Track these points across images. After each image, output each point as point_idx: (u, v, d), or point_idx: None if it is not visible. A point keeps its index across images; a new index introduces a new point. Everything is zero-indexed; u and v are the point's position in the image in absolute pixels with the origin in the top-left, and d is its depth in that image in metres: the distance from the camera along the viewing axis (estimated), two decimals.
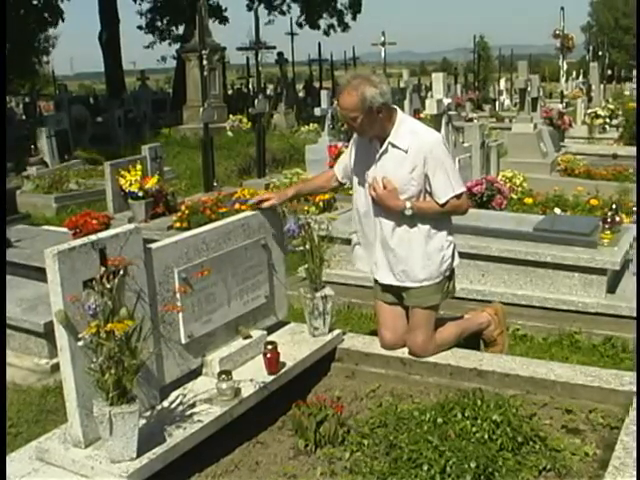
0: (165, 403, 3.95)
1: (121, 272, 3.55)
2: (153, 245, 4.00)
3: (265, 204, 4.72)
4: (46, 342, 5.47)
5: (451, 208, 4.49)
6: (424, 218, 4.48)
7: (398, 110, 4.49)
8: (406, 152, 4.39)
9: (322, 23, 40.46)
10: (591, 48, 38.61)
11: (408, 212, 4.40)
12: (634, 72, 54.13)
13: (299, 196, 5.06)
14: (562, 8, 28.14)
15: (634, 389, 4.07)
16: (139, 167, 10.08)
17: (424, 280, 4.56)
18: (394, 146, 4.42)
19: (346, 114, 4.38)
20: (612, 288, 6.50)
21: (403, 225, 4.50)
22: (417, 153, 4.36)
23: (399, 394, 4.43)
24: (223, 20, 37.04)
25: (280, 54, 31.06)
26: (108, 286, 3.40)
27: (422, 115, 18.41)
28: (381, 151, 4.47)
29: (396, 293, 4.72)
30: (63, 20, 33.57)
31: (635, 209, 7.54)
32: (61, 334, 3.41)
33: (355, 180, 4.72)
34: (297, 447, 3.94)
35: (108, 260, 3.54)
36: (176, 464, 3.57)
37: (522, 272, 6.53)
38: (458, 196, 4.46)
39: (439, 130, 8.08)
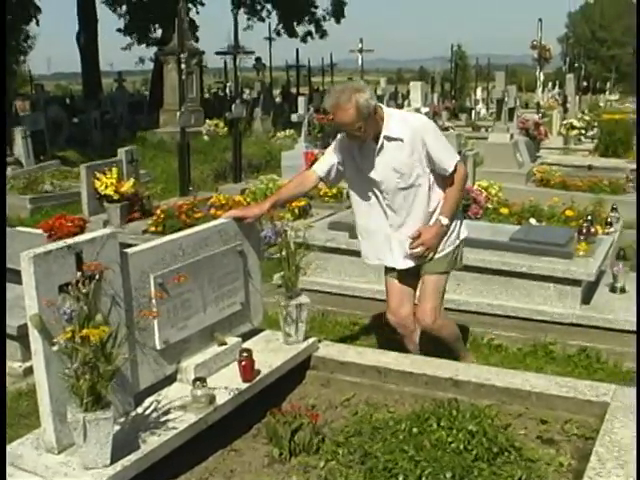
0: (140, 409, 3.92)
1: (97, 277, 3.51)
2: (129, 250, 3.97)
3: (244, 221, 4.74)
4: (19, 345, 5.41)
5: (459, 176, 4.72)
6: (433, 197, 4.71)
7: (382, 105, 4.63)
8: (402, 140, 4.55)
9: (300, 30, 40.55)
10: (567, 59, 38.97)
11: (446, 221, 4.71)
12: (608, 84, 54.86)
13: (277, 205, 5.06)
14: (540, 19, 28.42)
15: (608, 400, 4.10)
16: (115, 170, 10.02)
17: (438, 252, 4.80)
18: (390, 138, 4.56)
19: (350, 129, 4.47)
20: (587, 299, 6.55)
21: (414, 208, 4.71)
22: (413, 137, 4.54)
23: (374, 403, 4.42)
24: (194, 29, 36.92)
25: (258, 59, 31.10)
26: (84, 291, 3.37)
27: None
28: (378, 146, 4.59)
29: (408, 272, 4.90)
30: (38, 23, 33.42)
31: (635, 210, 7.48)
32: (35, 338, 3.37)
33: (354, 178, 4.84)
34: (272, 455, 3.92)
35: (84, 264, 3.51)
36: (150, 471, 3.53)
37: (497, 282, 6.56)
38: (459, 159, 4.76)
39: None
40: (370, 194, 4.78)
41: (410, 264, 4.82)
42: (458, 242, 4.93)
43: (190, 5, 31.67)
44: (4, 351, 3.34)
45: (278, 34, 39.21)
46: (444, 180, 4.71)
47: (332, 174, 4.86)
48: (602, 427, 3.82)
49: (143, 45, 39.24)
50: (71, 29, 34.62)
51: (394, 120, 4.58)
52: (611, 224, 8.59)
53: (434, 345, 5.08)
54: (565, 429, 4.09)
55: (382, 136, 4.55)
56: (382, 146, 4.58)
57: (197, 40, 36.55)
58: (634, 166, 13.86)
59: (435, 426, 3.82)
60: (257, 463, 3.89)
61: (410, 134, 4.53)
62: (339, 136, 4.81)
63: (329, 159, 4.85)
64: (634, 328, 6.22)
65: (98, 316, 3.36)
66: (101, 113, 22.22)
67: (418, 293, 4.98)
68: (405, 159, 4.57)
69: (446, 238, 4.80)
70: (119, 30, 38.06)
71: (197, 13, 37.28)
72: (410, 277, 4.93)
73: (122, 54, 40.03)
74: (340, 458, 3.80)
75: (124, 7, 37.30)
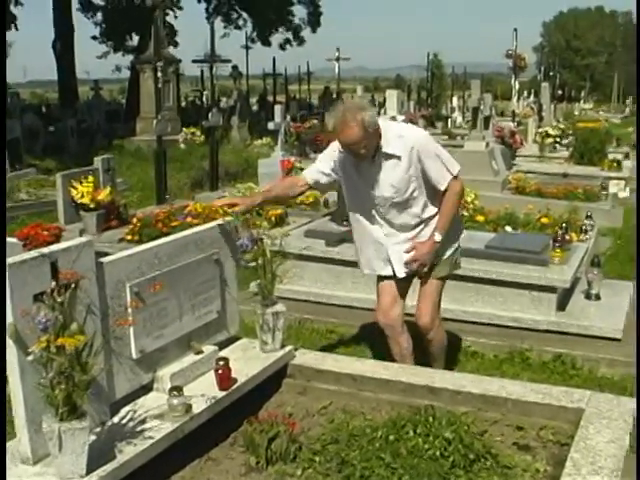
0: (116, 419, 3.89)
1: (72, 286, 3.49)
2: (105, 259, 3.95)
3: (234, 209, 4.76)
4: None
5: (454, 192, 4.72)
6: (429, 210, 4.76)
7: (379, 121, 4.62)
8: (400, 158, 4.58)
9: (277, 37, 40.68)
10: (542, 68, 39.29)
11: (439, 238, 4.71)
12: (583, 93, 55.35)
13: (267, 202, 5.14)
14: (515, 29, 28.61)
15: (583, 406, 4.13)
16: (91, 178, 9.99)
17: (438, 257, 4.85)
18: (387, 155, 4.59)
19: (355, 147, 4.49)
20: (562, 306, 6.60)
21: (411, 221, 4.78)
22: (409, 154, 4.56)
23: (351, 411, 4.42)
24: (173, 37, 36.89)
25: (235, 67, 31.06)
26: (59, 300, 3.34)
27: None
28: (376, 163, 4.62)
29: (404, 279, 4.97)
30: (17, 28, 33.22)
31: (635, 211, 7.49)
32: (10, 348, 3.35)
33: (350, 191, 4.88)
34: (249, 464, 3.90)
35: (60, 273, 3.49)
36: None
37: (473, 289, 6.59)
38: (455, 176, 4.72)
39: None
40: (366, 207, 4.83)
41: (407, 273, 4.88)
42: (457, 245, 5.02)
43: (168, 10, 31.60)
44: (4, 350, 3.31)
45: (252, 41, 39.27)
46: (440, 193, 4.74)
47: (321, 182, 4.90)
48: (577, 433, 3.85)
49: (120, 53, 39.18)
50: (47, 37, 34.46)
51: (391, 135, 4.58)
52: (586, 231, 8.66)
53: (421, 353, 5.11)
54: (541, 435, 4.11)
55: (380, 153, 4.58)
56: (379, 163, 4.62)
57: (176, 45, 36.57)
58: (608, 174, 14.03)
59: (412, 433, 3.83)
60: (234, 472, 3.88)
61: (407, 150, 4.56)
62: (333, 146, 4.82)
63: (320, 167, 4.88)
64: (609, 335, 6.28)
65: (73, 325, 3.33)
66: (77, 121, 22.12)
67: (418, 294, 5.04)
68: (402, 175, 4.61)
69: (447, 243, 4.86)
70: (94, 38, 37.95)
71: (175, 18, 37.24)
72: (403, 280, 4.98)
73: (99, 62, 40.02)
74: (317, 466, 3.80)
75: (99, 15, 37.21)
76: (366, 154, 4.56)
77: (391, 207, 4.74)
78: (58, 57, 32.79)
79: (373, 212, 4.82)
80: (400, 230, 4.82)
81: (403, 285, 5.02)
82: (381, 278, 5.04)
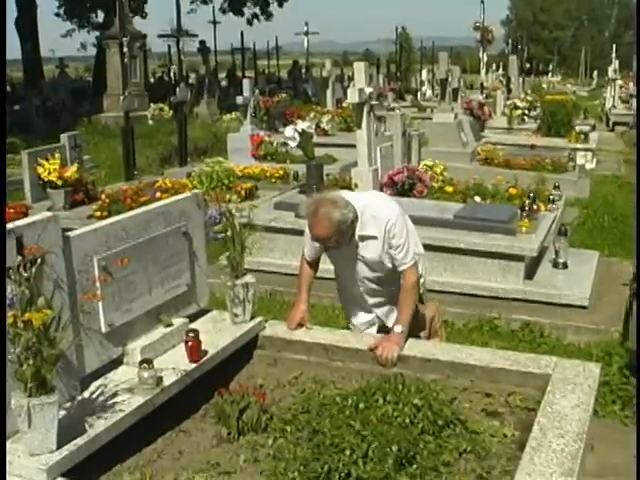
0: (86, 394, 3.89)
1: (39, 261, 3.47)
2: (72, 233, 3.92)
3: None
4: None
5: (410, 283, 4.63)
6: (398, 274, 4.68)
7: (353, 199, 4.55)
8: (375, 238, 4.55)
9: (245, 12, 40.31)
10: (510, 41, 39.26)
11: (400, 329, 4.55)
12: (550, 66, 55.55)
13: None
14: (482, 1, 28.56)
15: (550, 372, 4.17)
16: (58, 156, 9.90)
17: None
18: (363, 238, 4.57)
19: (325, 242, 4.52)
20: (530, 275, 6.66)
21: (389, 293, 4.81)
22: (384, 234, 4.54)
23: (321, 380, 4.44)
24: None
25: (202, 42, 30.83)
26: (25, 275, 3.33)
27: (345, 104, 18.49)
28: (353, 243, 4.59)
29: None
30: None
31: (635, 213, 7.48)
32: None
33: (333, 261, 4.93)
34: (220, 435, 3.92)
35: (25, 249, 3.46)
36: (97, 455, 3.51)
37: (442, 259, 6.64)
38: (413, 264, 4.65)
39: (361, 119, 8.12)
40: (347, 279, 4.88)
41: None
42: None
43: None
44: (4, 350, 3.28)
45: (223, 12, 38.90)
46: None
47: (319, 252, 4.88)
48: (544, 398, 3.89)
49: (85, 30, 38.69)
50: (9, 14, 33.94)
51: (366, 216, 4.54)
52: (553, 201, 8.73)
53: None
54: (509, 401, 4.15)
55: (356, 236, 4.56)
56: (356, 244, 4.61)
57: (145, 16, 36.08)
58: (575, 146, 14.13)
59: (381, 401, 3.87)
60: (206, 443, 3.89)
61: (381, 230, 4.54)
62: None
63: (312, 245, 4.82)
64: (576, 302, 6.36)
65: (40, 300, 3.32)
66: (43, 100, 21.86)
67: None
68: (378, 254, 4.61)
69: None
70: (57, 15, 37.40)
71: None
72: None
73: (64, 40, 39.44)
74: (288, 436, 3.82)
75: None
76: (337, 247, 4.58)
77: (370, 283, 4.79)
78: (21, 35, 32.28)
79: (353, 284, 4.86)
80: (379, 302, 4.88)
81: None
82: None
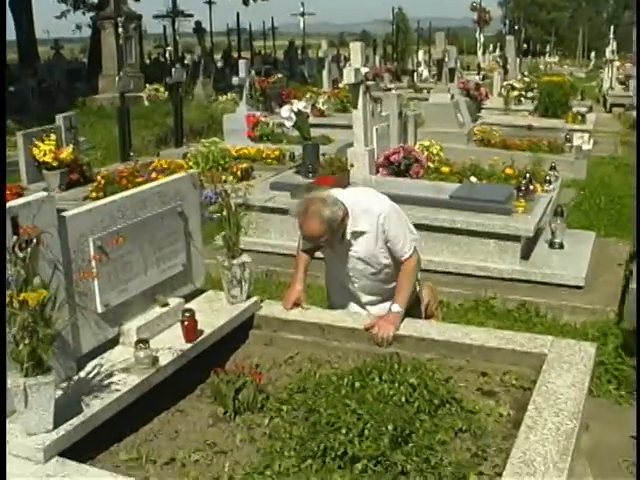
0: (82, 373, 3.89)
1: (34, 241, 3.46)
2: (67, 213, 3.92)
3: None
4: None
5: (411, 266, 4.64)
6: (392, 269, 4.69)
7: (343, 197, 4.53)
8: (368, 232, 4.54)
9: None
10: (507, 22, 39.11)
11: (398, 309, 4.55)
12: (548, 47, 55.36)
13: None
14: None
15: (546, 351, 4.18)
16: (53, 137, 9.87)
17: None
18: (356, 233, 4.55)
19: (315, 240, 4.53)
20: (526, 255, 6.67)
21: (382, 289, 4.80)
22: (377, 229, 4.53)
23: (317, 360, 4.44)
24: None
25: (198, 23, 30.68)
26: (21, 255, 3.32)
27: (341, 85, 18.44)
28: (345, 240, 4.58)
29: None
30: None
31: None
32: None
33: (326, 257, 4.94)
34: (216, 414, 3.92)
35: (20, 228, 3.45)
36: (94, 435, 3.52)
37: (439, 239, 6.64)
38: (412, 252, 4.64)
39: (357, 99, 8.10)
40: (340, 275, 4.85)
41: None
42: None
43: None
44: (4, 350, 3.28)
45: None
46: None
47: (314, 246, 4.86)
48: (539, 377, 3.90)
49: (80, 11, 38.45)
50: None
51: (357, 211, 4.52)
52: (550, 182, 8.74)
53: None
54: (504, 380, 4.16)
55: (348, 232, 4.54)
56: (349, 240, 4.59)
57: None
58: (572, 127, 14.11)
59: (377, 380, 3.87)
60: (202, 423, 3.89)
61: (373, 224, 4.52)
62: None
63: (304, 241, 4.84)
64: (572, 282, 6.37)
65: (36, 280, 3.31)
66: (38, 81, 21.76)
67: None
68: (371, 249, 4.60)
69: None
70: None
71: None
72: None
73: (59, 22, 39.23)
74: (284, 415, 3.83)
75: None
76: (328, 245, 4.59)
77: (363, 279, 4.76)
78: (16, 16, 32.07)
79: (347, 281, 4.84)
80: (372, 299, 4.85)
81: None
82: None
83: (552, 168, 9.40)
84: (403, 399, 3.73)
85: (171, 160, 11.21)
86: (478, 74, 24.75)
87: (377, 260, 4.65)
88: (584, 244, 7.20)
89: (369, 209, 4.55)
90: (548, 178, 8.83)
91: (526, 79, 20.96)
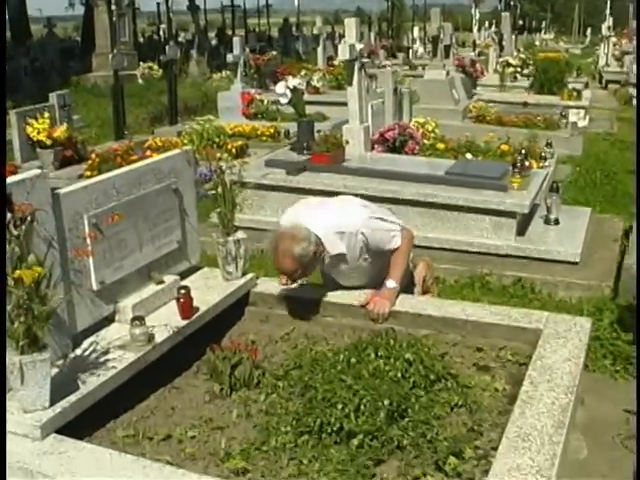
0: (78, 351, 3.89)
1: (28, 218, 3.45)
2: (61, 190, 3.90)
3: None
4: None
5: (404, 245, 4.61)
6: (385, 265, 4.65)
7: (312, 224, 4.41)
8: (348, 252, 4.51)
9: None
10: None
11: (393, 284, 4.55)
12: (543, 24, 55.13)
13: None
14: None
15: (541, 327, 4.19)
16: (47, 115, 9.83)
17: None
18: (333, 257, 4.51)
19: (289, 275, 4.51)
20: (521, 231, 6.67)
21: (369, 277, 4.74)
22: (354, 245, 4.50)
23: (313, 336, 4.45)
24: None
25: (192, 0, 30.47)
26: (15, 233, 3.31)
27: (336, 62, 18.36)
28: (328, 262, 4.57)
29: None
30: None
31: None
32: None
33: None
34: (212, 391, 3.93)
35: (15, 206, 3.44)
36: (90, 412, 3.52)
37: (434, 215, 6.63)
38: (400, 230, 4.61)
39: (352, 76, 8.06)
40: (332, 275, 4.83)
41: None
42: None
43: None
44: (4, 350, 3.27)
45: None
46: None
47: None
48: (535, 353, 3.91)
49: None
50: None
51: (332, 237, 4.43)
52: (545, 159, 8.73)
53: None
54: (500, 356, 4.17)
55: (327, 257, 4.50)
56: (332, 263, 4.58)
57: None
58: (568, 103, 14.07)
59: (373, 356, 3.89)
60: (198, 399, 3.90)
61: (352, 242, 4.48)
62: None
63: None
64: (567, 258, 6.37)
65: (31, 257, 3.31)
66: (31, 60, 21.65)
67: None
68: (356, 260, 4.58)
69: None
70: None
71: None
72: None
73: None
74: (280, 391, 3.84)
75: None
76: (304, 276, 4.58)
77: (347, 274, 4.73)
78: None
79: (341, 282, 4.82)
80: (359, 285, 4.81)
81: None
82: None
83: (548, 144, 9.39)
84: (399, 374, 3.74)
85: (165, 138, 11.18)
86: (473, 51, 24.67)
87: (367, 261, 4.64)
88: (579, 220, 7.19)
89: (343, 230, 4.47)
90: (544, 155, 8.82)
91: (522, 56, 20.85)
